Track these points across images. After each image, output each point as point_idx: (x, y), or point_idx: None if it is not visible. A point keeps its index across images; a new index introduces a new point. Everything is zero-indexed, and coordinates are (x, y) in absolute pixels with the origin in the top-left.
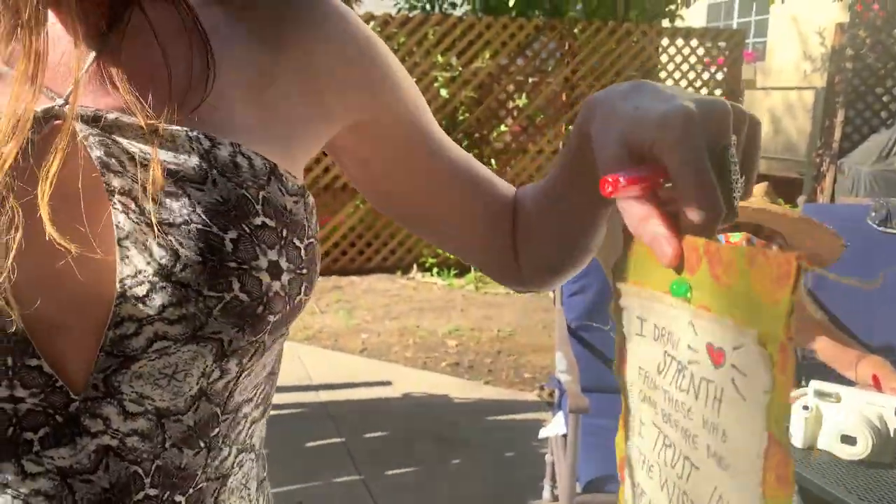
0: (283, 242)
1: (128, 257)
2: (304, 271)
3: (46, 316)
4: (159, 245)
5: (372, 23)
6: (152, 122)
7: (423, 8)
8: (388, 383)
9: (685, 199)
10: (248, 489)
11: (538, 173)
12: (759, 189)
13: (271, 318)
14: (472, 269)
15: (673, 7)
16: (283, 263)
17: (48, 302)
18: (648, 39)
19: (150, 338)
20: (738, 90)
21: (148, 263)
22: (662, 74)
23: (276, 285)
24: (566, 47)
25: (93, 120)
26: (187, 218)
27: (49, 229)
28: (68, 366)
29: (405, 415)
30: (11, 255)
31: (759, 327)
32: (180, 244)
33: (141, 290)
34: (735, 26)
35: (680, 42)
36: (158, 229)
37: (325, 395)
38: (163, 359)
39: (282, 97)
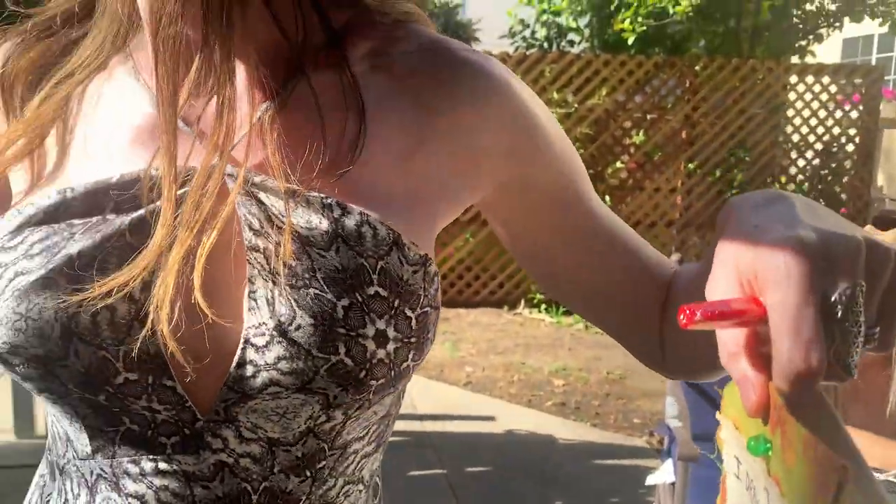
0: (393, 312)
1: (254, 309)
2: (413, 340)
3: (185, 345)
4: (280, 304)
5: None
6: (291, 186)
7: (541, 46)
8: (491, 418)
9: (776, 347)
10: None
11: (654, 212)
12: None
13: (373, 384)
14: None
15: (804, 43)
16: (391, 333)
17: (189, 334)
18: (775, 77)
19: (265, 382)
20: (874, 129)
21: (270, 318)
22: (790, 112)
23: (381, 353)
24: (687, 84)
25: (244, 182)
26: (307, 282)
27: (197, 282)
28: (198, 391)
29: (508, 451)
30: (169, 294)
31: None
32: (298, 305)
33: (261, 341)
34: (874, 62)
35: (810, 79)
36: (281, 291)
37: (429, 426)
38: (275, 401)
39: (432, 163)
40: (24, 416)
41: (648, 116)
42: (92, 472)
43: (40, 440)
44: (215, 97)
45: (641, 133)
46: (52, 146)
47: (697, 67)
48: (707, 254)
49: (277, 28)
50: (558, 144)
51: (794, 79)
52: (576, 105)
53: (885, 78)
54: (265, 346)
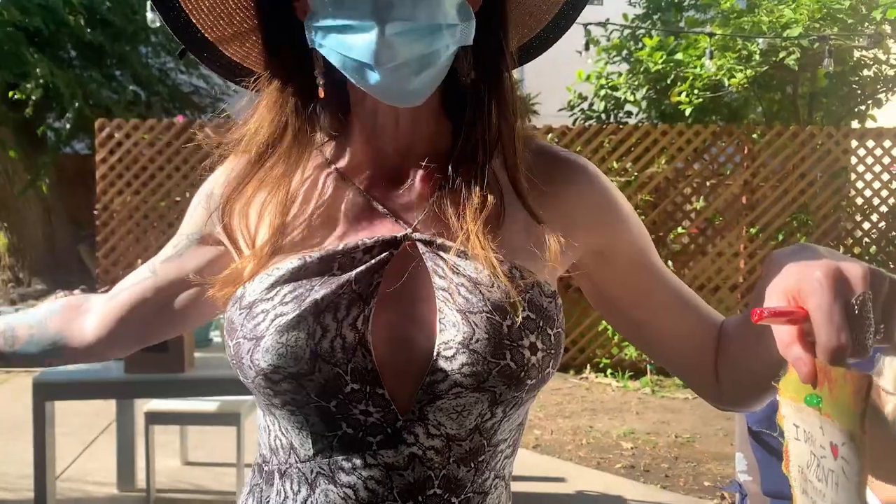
0: (539, 330)
1: (443, 331)
2: (553, 351)
3: (391, 362)
4: (464, 325)
5: (550, 135)
6: (463, 247)
7: (599, 118)
8: (562, 479)
9: (817, 334)
10: None
11: (718, 276)
12: None
13: (529, 382)
14: (649, 371)
15: (863, 108)
16: (539, 345)
17: (394, 354)
18: (835, 142)
19: (450, 384)
20: None
21: (456, 335)
22: (852, 176)
23: (533, 359)
24: (745, 151)
25: (427, 242)
26: (481, 308)
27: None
28: (399, 396)
29: None
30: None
31: (852, 427)
32: (476, 325)
33: (449, 353)
34: None
35: (871, 143)
36: (463, 317)
37: None
38: (456, 400)
39: (547, 230)
40: (125, 471)
41: (708, 183)
42: (312, 471)
43: (139, 493)
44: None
45: (702, 199)
46: (267, 230)
47: (755, 135)
48: (751, 301)
49: (443, 138)
50: (633, 219)
51: (854, 143)
52: (636, 173)
53: None
54: (453, 356)
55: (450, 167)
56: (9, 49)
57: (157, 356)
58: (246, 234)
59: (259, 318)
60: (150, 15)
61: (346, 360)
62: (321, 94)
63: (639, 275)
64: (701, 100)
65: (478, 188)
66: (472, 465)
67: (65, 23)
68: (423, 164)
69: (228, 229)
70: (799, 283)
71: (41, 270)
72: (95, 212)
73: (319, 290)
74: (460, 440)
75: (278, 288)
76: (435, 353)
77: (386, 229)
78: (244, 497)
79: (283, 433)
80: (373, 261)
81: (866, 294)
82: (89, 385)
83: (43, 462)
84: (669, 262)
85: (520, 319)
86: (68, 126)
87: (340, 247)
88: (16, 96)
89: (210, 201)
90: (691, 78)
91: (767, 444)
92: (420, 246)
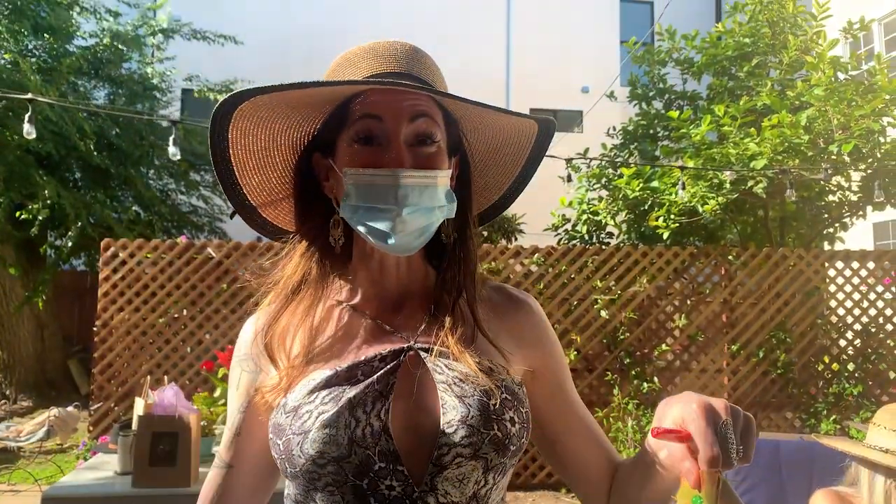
0: (514, 408)
1: (445, 413)
2: (526, 425)
3: (406, 444)
4: (462, 406)
5: (537, 254)
6: (456, 353)
7: (582, 238)
8: None
9: (700, 448)
10: None
11: (703, 392)
12: None
13: (511, 448)
14: None
15: (831, 230)
16: (516, 418)
17: (408, 438)
18: (806, 263)
19: (454, 455)
20: None
21: (455, 416)
22: (825, 296)
23: (513, 430)
24: (722, 271)
25: (427, 350)
26: (472, 393)
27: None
28: (414, 472)
29: None
30: (389, 418)
31: None
32: (470, 406)
33: (451, 430)
34: None
35: (840, 264)
36: (460, 401)
37: None
38: (458, 469)
39: (503, 345)
40: None
41: (689, 301)
42: None
43: None
44: (405, 311)
45: (683, 317)
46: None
47: (731, 256)
48: (639, 453)
49: (429, 277)
50: (559, 351)
51: (825, 264)
52: (619, 291)
53: None
54: (454, 431)
55: (434, 299)
56: (19, 171)
57: (164, 470)
58: (282, 352)
59: (304, 416)
60: (171, 149)
61: (375, 444)
62: (337, 250)
63: (557, 396)
64: (677, 224)
65: (455, 312)
66: None
67: (75, 147)
68: (415, 298)
69: (269, 349)
70: (682, 413)
71: (29, 387)
72: (95, 328)
73: (350, 391)
74: None
75: (317, 393)
76: (441, 432)
77: (394, 344)
78: None
79: None
80: (388, 366)
81: (727, 420)
82: (98, 500)
83: None
84: (655, 379)
85: (499, 400)
86: (70, 244)
87: (363, 358)
88: (22, 216)
89: (247, 359)
90: (667, 204)
91: None
92: (421, 353)
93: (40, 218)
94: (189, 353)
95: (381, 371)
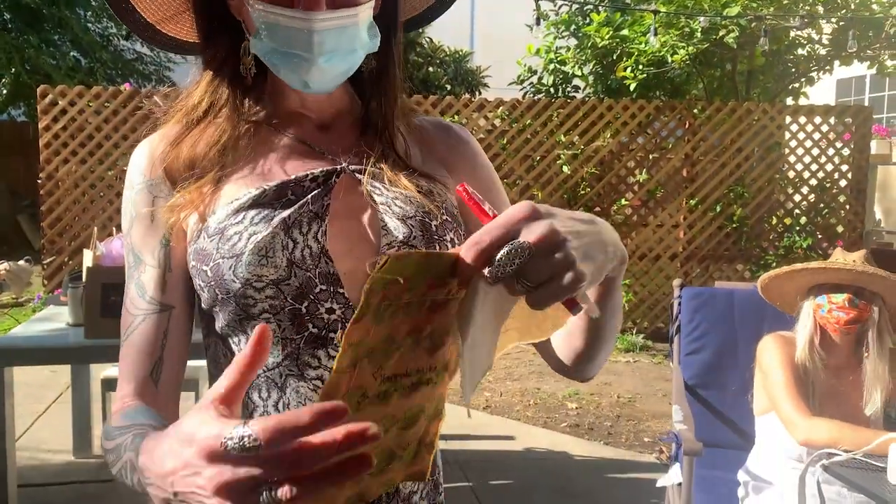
0: (454, 230)
1: (386, 234)
2: None
3: (345, 266)
4: (403, 229)
5: (501, 108)
6: (391, 176)
7: (548, 92)
8: (511, 438)
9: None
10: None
11: (659, 245)
12: (859, 255)
13: None
14: None
15: (797, 85)
16: (457, 241)
17: (348, 261)
18: (770, 118)
19: None
20: (865, 166)
21: (397, 237)
22: (786, 151)
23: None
24: (686, 126)
25: (360, 171)
26: (414, 214)
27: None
28: (354, 295)
29: (527, 467)
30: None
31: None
32: (413, 227)
33: (392, 250)
34: (867, 101)
35: (803, 119)
36: (402, 221)
37: (454, 444)
38: None
39: (436, 172)
40: (82, 439)
41: (651, 156)
42: (281, 375)
43: (97, 459)
44: (334, 134)
45: (644, 172)
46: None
47: (696, 110)
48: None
49: (355, 106)
50: (493, 174)
51: (787, 119)
52: (582, 146)
53: (876, 116)
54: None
55: (369, 121)
56: None
57: (116, 321)
58: (189, 177)
59: (234, 239)
60: None
61: (315, 266)
62: (248, 82)
63: (497, 207)
64: (645, 75)
65: (385, 137)
66: None
67: None
68: (345, 120)
69: (170, 171)
70: (518, 206)
71: None
72: (39, 181)
73: (283, 211)
74: None
75: (244, 213)
76: (380, 253)
77: (325, 164)
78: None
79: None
80: (320, 188)
81: (524, 245)
82: (48, 351)
83: (2, 428)
84: None
85: (441, 220)
86: (5, 92)
87: (292, 177)
88: None
89: (158, 182)
90: (636, 54)
91: (703, 398)
92: (357, 174)
93: None
94: None
95: (314, 192)
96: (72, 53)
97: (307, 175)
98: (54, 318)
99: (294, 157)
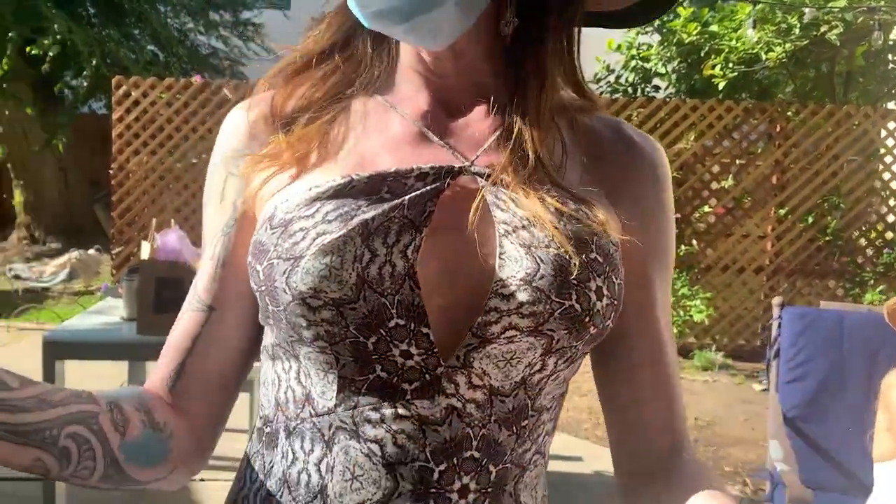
0: (605, 275)
1: (503, 267)
2: (616, 303)
3: (437, 299)
4: (528, 261)
5: None
6: (527, 187)
7: (626, 92)
8: (578, 459)
9: None
10: (536, 492)
11: (743, 257)
12: None
13: (591, 330)
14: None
15: None
16: (605, 290)
17: (442, 291)
18: (871, 122)
19: (505, 326)
20: None
21: (516, 272)
22: (888, 159)
23: (599, 305)
24: (777, 129)
25: (487, 176)
26: (547, 244)
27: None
28: (444, 339)
29: (596, 491)
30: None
31: None
32: (541, 261)
33: (508, 291)
34: None
35: None
36: (527, 251)
37: None
38: (508, 345)
39: (590, 187)
40: None
41: (737, 161)
42: (330, 426)
43: None
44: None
45: (730, 178)
46: (313, 151)
47: (790, 112)
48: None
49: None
50: (668, 224)
51: (891, 125)
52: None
53: None
54: (512, 294)
55: (512, 108)
56: (27, 3)
57: (168, 318)
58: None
59: (297, 236)
60: None
61: (394, 291)
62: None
63: (637, 296)
64: (735, 74)
65: (536, 132)
66: (514, 431)
67: None
68: (483, 102)
69: (274, 116)
70: None
71: (56, 229)
72: (111, 171)
73: (368, 210)
74: (504, 395)
75: (319, 205)
76: (492, 291)
77: (442, 159)
78: (242, 470)
79: (299, 381)
80: (427, 188)
81: None
82: (102, 346)
83: None
84: (694, 242)
85: (586, 259)
86: (85, 84)
87: (392, 169)
88: (33, 52)
89: (238, 157)
90: (726, 51)
91: (805, 433)
92: (478, 179)
93: (51, 54)
94: None
95: (417, 192)
96: (150, 47)
97: (412, 169)
98: (108, 311)
99: (403, 143)
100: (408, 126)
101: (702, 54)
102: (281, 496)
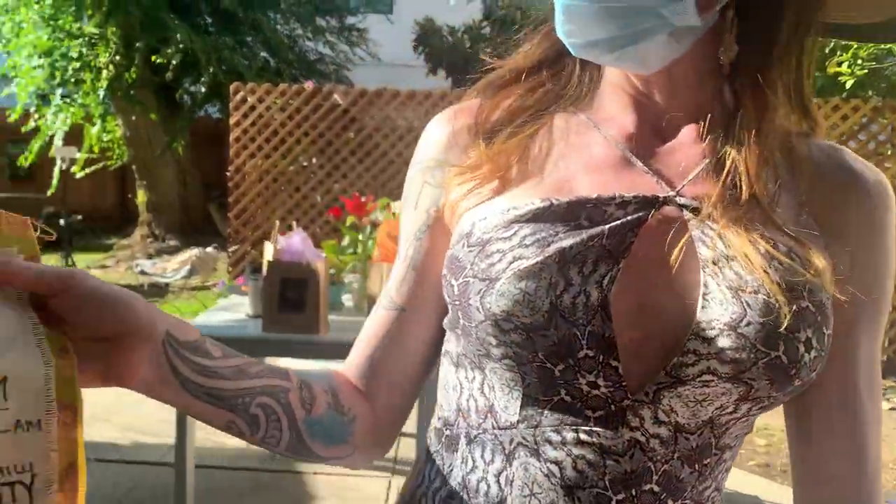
0: (816, 326)
1: (706, 308)
2: (824, 355)
3: (631, 333)
4: (734, 305)
5: None
6: (738, 226)
7: None
8: (755, 498)
9: None
10: None
11: None
12: None
13: (796, 383)
14: None
15: None
16: (814, 342)
17: (635, 325)
18: None
19: (701, 370)
20: None
21: (720, 315)
22: None
23: (807, 357)
24: None
25: (693, 209)
26: (757, 288)
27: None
28: (633, 373)
29: None
30: (610, 290)
31: None
32: (749, 306)
33: (710, 334)
34: None
35: None
36: (733, 294)
37: None
38: (701, 388)
39: (805, 225)
40: None
41: None
42: (511, 441)
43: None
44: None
45: None
46: (513, 166)
47: None
48: None
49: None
50: (888, 272)
51: None
52: None
53: None
54: (714, 338)
55: (727, 136)
56: (153, 15)
57: (292, 317)
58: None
59: (494, 257)
60: None
61: (586, 321)
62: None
63: (845, 347)
64: (865, 71)
65: (753, 165)
66: (696, 469)
67: None
68: (694, 127)
69: (477, 126)
70: None
71: (174, 228)
72: (228, 173)
73: (566, 238)
74: (689, 433)
75: (517, 227)
76: (691, 332)
77: (645, 187)
78: (422, 465)
79: (483, 392)
80: (628, 217)
81: None
82: (228, 341)
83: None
84: None
85: (798, 309)
86: (203, 90)
87: (594, 196)
88: (158, 61)
89: (435, 167)
90: (855, 46)
91: None
92: (684, 212)
93: (174, 62)
94: (319, 202)
95: (618, 221)
96: (262, 54)
97: (613, 197)
98: (234, 309)
99: (605, 166)
100: (610, 148)
101: (826, 51)
102: (459, 501)
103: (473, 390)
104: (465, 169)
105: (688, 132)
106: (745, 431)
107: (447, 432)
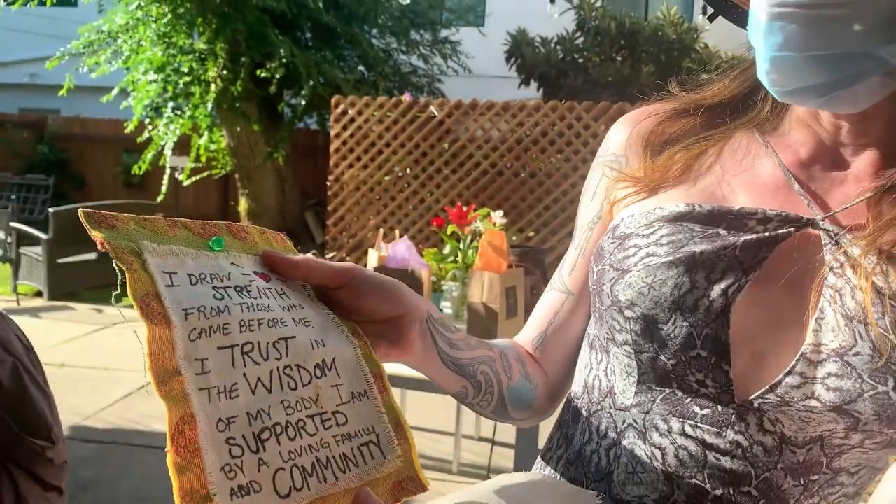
0: None
1: (818, 332)
2: None
3: (746, 344)
4: (845, 333)
5: None
6: (875, 252)
7: None
8: None
9: None
10: None
11: None
12: None
13: None
14: None
15: None
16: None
17: (752, 337)
18: None
19: (805, 394)
20: None
21: (830, 342)
22: None
23: None
24: None
25: (834, 235)
26: (874, 321)
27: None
28: (742, 380)
29: None
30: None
31: None
32: (860, 336)
33: (816, 358)
34: None
35: None
36: (847, 323)
37: None
38: (805, 413)
39: None
40: None
41: None
42: (624, 422)
43: None
44: (841, 174)
45: None
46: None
47: None
48: None
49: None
50: None
51: None
52: None
53: None
54: (819, 362)
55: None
56: (257, 31)
57: None
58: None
59: (630, 251)
60: None
61: (704, 324)
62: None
63: None
64: None
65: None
66: (802, 482)
67: (304, 5)
68: (872, 164)
69: (649, 143)
70: None
71: None
72: (328, 183)
73: (700, 243)
74: (796, 446)
75: (657, 226)
76: (799, 353)
77: (794, 209)
78: (554, 431)
79: (606, 375)
80: (766, 233)
81: None
82: None
83: None
84: None
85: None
86: (303, 102)
87: (736, 207)
88: (262, 75)
89: (614, 160)
90: None
91: None
92: (823, 237)
93: (277, 76)
94: (412, 211)
95: (755, 235)
96: (359, 67)
97: (756, 211)
98: None
99: (765, 188)
100: (777, 172)
101: None
102: (576, 468)
103: (599, 372)
104: (626, 177)
105: (863, 167)
106: (875, 466)
107: (574, 403)
